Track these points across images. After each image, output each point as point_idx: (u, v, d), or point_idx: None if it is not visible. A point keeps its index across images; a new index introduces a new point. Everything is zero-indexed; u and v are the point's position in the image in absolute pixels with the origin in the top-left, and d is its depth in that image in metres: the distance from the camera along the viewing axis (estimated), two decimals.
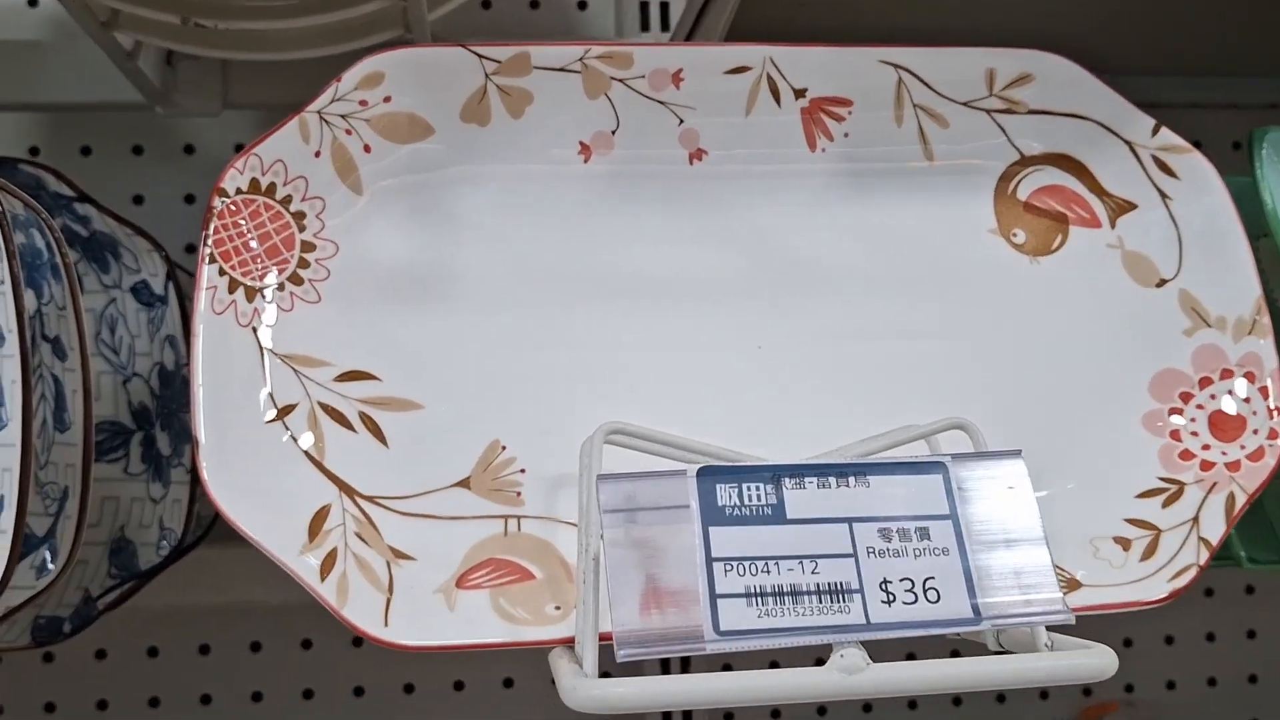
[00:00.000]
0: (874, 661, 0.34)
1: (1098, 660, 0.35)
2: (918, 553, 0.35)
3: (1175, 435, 0.49)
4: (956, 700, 0.78)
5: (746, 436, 0.46)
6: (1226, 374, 0.49)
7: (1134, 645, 0.80)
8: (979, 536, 0.36)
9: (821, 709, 0.78)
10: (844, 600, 0.34)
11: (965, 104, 0.52)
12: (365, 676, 0.72)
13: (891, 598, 0.34)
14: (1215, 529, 0.46)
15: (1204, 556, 0.45)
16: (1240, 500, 0.46)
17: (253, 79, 0.66)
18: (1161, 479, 0.48)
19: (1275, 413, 0.47)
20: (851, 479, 0.36)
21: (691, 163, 0.51)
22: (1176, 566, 0.45)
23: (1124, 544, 0.46)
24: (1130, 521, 0.47)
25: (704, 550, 0.34)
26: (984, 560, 0.36)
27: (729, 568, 0.34)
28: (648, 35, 0.73)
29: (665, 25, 0.74)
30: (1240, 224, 0.50)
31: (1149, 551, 0.46)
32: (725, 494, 0.35)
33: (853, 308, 0.51)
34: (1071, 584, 0.44)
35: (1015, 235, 0.52)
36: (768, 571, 0.34)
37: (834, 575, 0.34)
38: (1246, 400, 0.48)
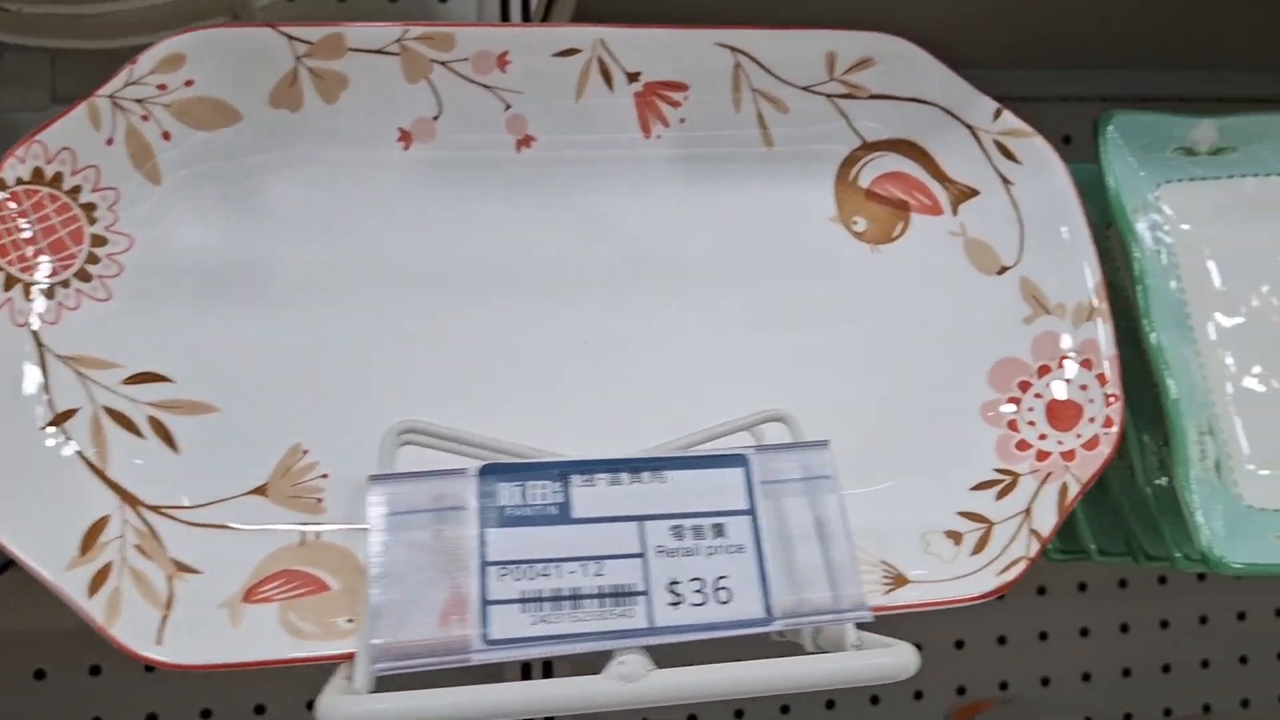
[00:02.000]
0: (684, 665, 0.32)
1: (896, 659, 0.34)
2: (711, 551, 0.34)
3: (1013, 425, 0.48)
4: (829, 703, 0.77)
5: (572, 435, 0.44)
6: (1065, 361, 0.48)
7: (1008, 642, 0.79)
8: (779, 532, 0.35)
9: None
10: (628, 603, 0.32)
11: (805, 88, 0.50)
12: (159, 703, 0.68)
13: (679, 599, 0.33)
14: (1047, 520, 0.45)
15: (1034, 549, 0.44)
16: (1073, 490, 0.45)
17: (83, 71, 0.62)
18: (997, 470, 0.47)
19: (1111, 399, 0.47)
20: (646, 475, 0.35)
21: (519, 149, 0.49)
22: (1007, 560, 0.44)
23: (955, 538, 0.45)
24: (963, 514, 0.46)
25: (479, 554, 0.32)
26: (782, 557, 0.34)
27: (504, 572, 0.32)
28: None
29: (527, 14, 0.72)
30: (1081, 208, 0.49)
31: (980, 545, 0.45)
32: (508, 493, 0.33)
33: (690, 298, 0.49)
34: (898, 580, 0.43)
35: (856, 223, 0.51)
36: (547, 575, 0.32)
37: (619, 577, 0.33)
38: (1084, 388, 0.47)
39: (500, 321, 0.47)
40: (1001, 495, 0.46)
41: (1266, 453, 0.50)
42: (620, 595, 0.32)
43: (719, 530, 0.34)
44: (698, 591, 0.33)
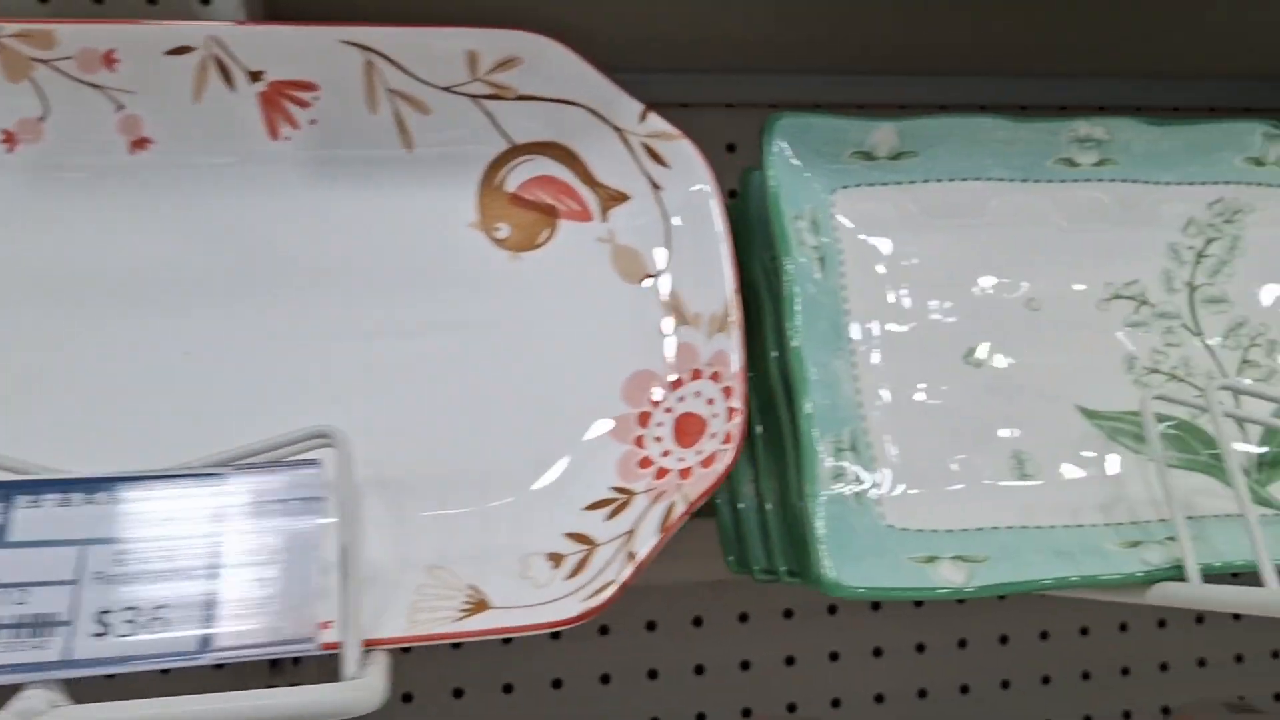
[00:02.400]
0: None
1: (349, 695, 0.32)
2: (157, 576, 0.32)
3: (640, 441, 0.46)
4: None
5: (152, 452, 0.42)
6: (696, 374, 0.47)
7: (796, 662, 0.78)
8: (246, 557, 0.33)
9: None
10: (46, 634, 0.31)
11: (447, 89, 0.49)
12: None
13: (105, 630, 0.31)
14: (647, 542, 0.43)
15: (626, 573, 0.42)
16: (679, 510, 0.43)
17: None
18: (615, 489, 0.45)
19: (734, 414, 0.45)
20: (101, 496, 0.33)
21: (133, 151, 0.47)
22: (599, 584, 0.42)
23: (556, 560, 0.43)
24: (570, 535, 0.44)
25: None
26: (244, 584, 0.32)
27: None
28: None
29: None
30: (722, 215, 0.47)
31: (578, 568, 0.43)
32: None
33: (313, 307, 0.47)
34: (479, 605, 0.41)
35: (498, 229, 0.49)
36: None
37: (43, 606, 0.31)
38: (710, 402, 0.46)
39: (101, 333, 0.45)
40: (613, 515, 0.44)
41: (917, 471, 0.48)
42: (40, 626, 0.31)
43: (171, 554, 0.32)
44: (129, 621, 0.31)
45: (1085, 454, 0.51)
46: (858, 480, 0.47)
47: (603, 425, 0.47)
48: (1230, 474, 0.44)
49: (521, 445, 0.47)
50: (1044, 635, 0.82)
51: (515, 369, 0.48)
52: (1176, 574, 0.46)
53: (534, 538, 0.44)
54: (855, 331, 0.50)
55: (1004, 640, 0.81)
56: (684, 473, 0.45)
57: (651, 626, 0.76)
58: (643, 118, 0.49)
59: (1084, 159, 0.55)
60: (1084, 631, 0.83)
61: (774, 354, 0.49)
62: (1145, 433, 0.47)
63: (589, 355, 0.48)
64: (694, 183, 0.48)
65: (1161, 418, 0.52)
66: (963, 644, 0.80)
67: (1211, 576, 0.45)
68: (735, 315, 0.46)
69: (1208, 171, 0.56)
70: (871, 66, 0.63)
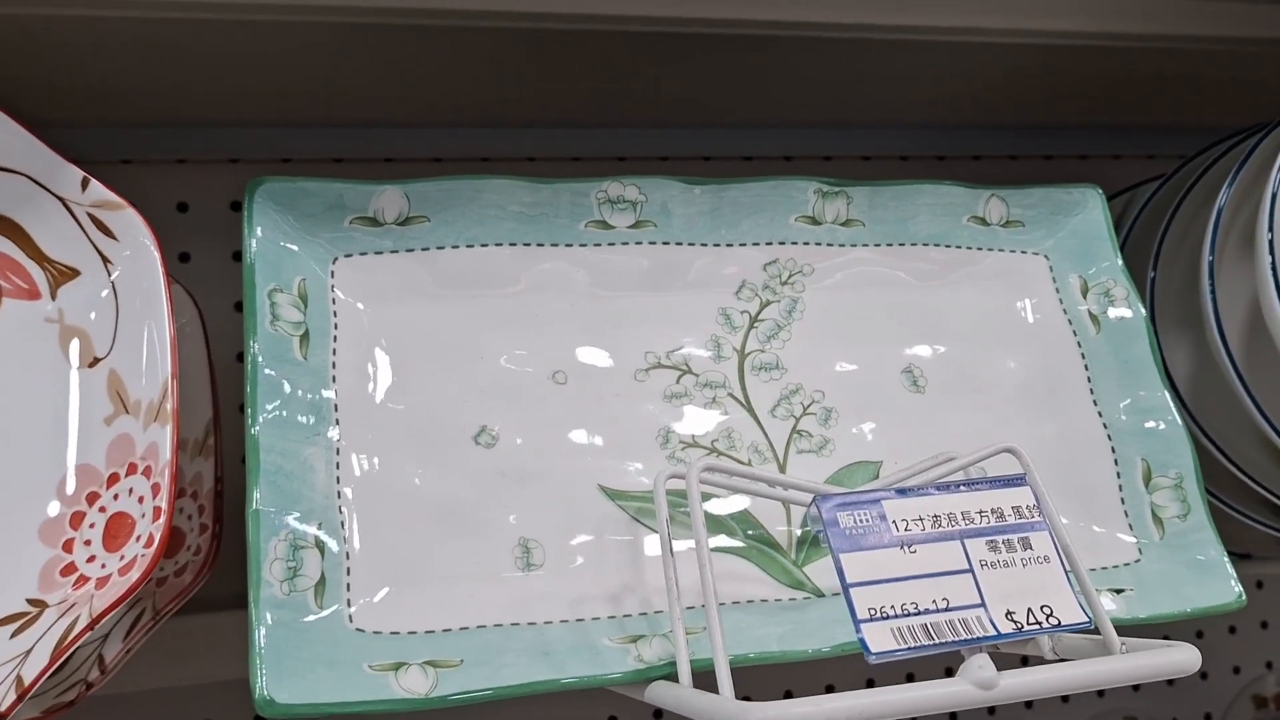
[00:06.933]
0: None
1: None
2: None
3: (69, 545, 0.45)
4: None
5: None
6: (132, 469, 0.45)
7: None
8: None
9: None
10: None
11: None
12: None
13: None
14: (38, 664, 0.41)
15: (8, 702, 0.40)
16: (80, 627, 0.42)
17: None
18: (30, 600, 0.44)
19: (159, 514, 0.44)
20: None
21: None
22: None
23: None
24: None
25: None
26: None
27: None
28: None
29: None
30: (166, 291, 0.46)
31: None
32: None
33: None
34: None
35: None
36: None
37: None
38: (141, 500, 0.45)
39: None
40: (19, 632, 0.43)
41: (400, 568, 0.47)
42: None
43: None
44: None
45: (603, 539, 0.51)
46: (321, 582, 0.46)
47: (32, 526, 0.45)
48: (701, 563, 0.44)
49: None
50: None
51: None
52: (672, 670, 0.46)
53: None
54: (344, 414, 0.49)
55: None
56: (101, 581, 0.43)
57: None
58: (84, 186, 0.48)
59: (618, 221, 0.55)
60: None
61: None
62: (657, 513, 0.47)
63: (28, 447, 0.46)
64: (141, 256, 0.47)
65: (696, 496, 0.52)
66: None
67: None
68: (171, 403, 0.45)
69: (760, 231, 0.57)
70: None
